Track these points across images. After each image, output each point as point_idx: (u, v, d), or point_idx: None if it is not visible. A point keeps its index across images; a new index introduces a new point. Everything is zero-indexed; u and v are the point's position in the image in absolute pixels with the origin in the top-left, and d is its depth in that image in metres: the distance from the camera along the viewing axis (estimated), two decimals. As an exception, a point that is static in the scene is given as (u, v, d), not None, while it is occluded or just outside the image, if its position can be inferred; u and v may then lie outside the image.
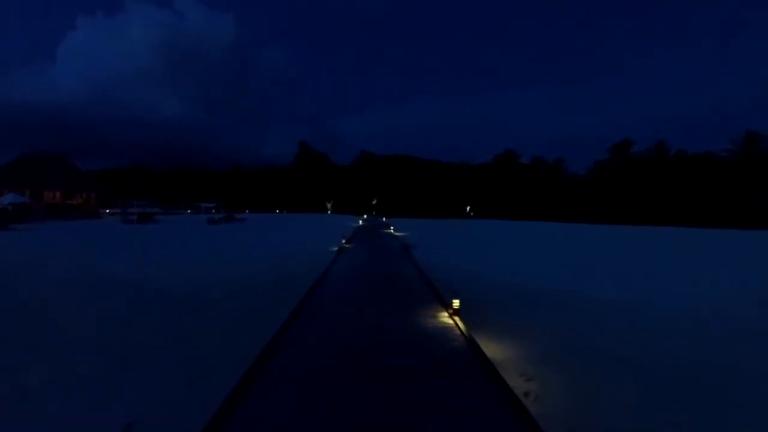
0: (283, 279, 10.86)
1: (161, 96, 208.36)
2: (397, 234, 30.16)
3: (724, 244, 28.34)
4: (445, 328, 6.48)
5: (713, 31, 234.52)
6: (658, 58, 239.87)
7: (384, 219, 64.96)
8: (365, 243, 21.42)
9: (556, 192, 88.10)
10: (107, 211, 61.57)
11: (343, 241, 20.21)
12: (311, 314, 7.13)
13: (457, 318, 6.89)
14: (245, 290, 9.59)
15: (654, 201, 75.33)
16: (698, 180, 72.51)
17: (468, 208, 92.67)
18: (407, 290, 9.50)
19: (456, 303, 7.12)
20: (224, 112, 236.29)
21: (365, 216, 75.78)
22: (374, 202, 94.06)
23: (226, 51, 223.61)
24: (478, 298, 8.96)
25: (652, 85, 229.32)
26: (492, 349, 5.58)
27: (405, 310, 7.51)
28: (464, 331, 6.19)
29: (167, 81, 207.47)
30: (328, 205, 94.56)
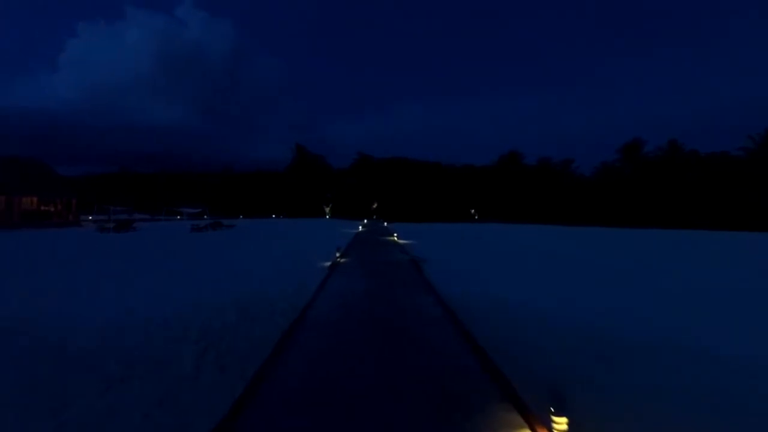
0: (237, 327, 6.99)
1: (157, 101, 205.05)
2: (401, 242, 26.32)
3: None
4: None
5: (721, 31, 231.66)
6: (664, 58, 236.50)
7: (385, 224, 61.21)
8: (365, 256, 17.55)
9: (564, 194, 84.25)
10: (90, 218, 57.89)
11: (337, 255, 16.35)
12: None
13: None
14: (153, 359, 5.67)
15: (670, 203, 71.51)
16: (716, 180, 68.83)
17: (473, 212, 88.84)
18: (434, 360, 5.30)
19: (561, 425, 3.25)
20: (219, 117, 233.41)
21: (365, 221, 72.01)
22: (374, 206, 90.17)
23: (222, 56, 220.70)
24: (570, 370, 5.09)
25: (657, 85, 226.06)
26: None
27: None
28: None
29: (163, 87, 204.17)
30: (327, 210, 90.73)
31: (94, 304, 8.41)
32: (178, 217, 70.12)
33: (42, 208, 46.58)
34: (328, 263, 14.79)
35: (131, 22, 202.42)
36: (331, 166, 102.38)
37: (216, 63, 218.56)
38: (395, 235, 32.21)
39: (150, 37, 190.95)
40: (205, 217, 68.27)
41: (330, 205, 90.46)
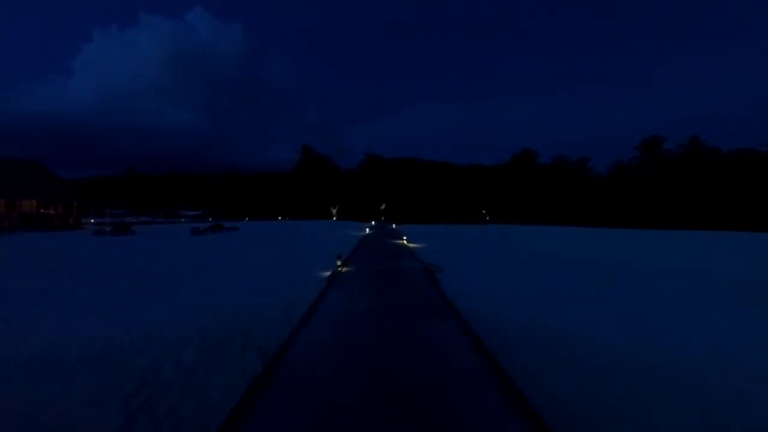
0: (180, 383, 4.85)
1: (168, 104, 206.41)
2: (411, 246, 24.09)
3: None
4: None
5: (733, 30, 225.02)
6: (682, 54, 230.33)
7: (393, 226, 59.00)
8: (370, 265, 15.37)
9: (581, 194, 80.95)
10: (92, 221, 56.72)
11: (339, 264, 14.19)
12: None
13: None
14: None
15: (692, 202, 67.99)
16: (741, 178, 65.19)
17: (484, 212, 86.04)
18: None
19: None
20: (228, 119, 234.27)
21: (373, 223, 69.91)
22: (382, 207, 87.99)
23: (232, 60, 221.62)
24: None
25: (675, 81, 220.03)
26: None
27: None
28: None
29: (175, 90, 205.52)
30: (333, 212, 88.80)
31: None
32: (183, 219, 68.86)
33: (42, 211, 45.43)
34: (327, 273, 12.66)
35: (144, 27, 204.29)
36: (338, 167, 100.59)
37: (227, 67, 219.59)
38: (404, 238, 30.00)
39: (163, 42, 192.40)
40: (210, 219, 66.96)
41: (336, 207, 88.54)
